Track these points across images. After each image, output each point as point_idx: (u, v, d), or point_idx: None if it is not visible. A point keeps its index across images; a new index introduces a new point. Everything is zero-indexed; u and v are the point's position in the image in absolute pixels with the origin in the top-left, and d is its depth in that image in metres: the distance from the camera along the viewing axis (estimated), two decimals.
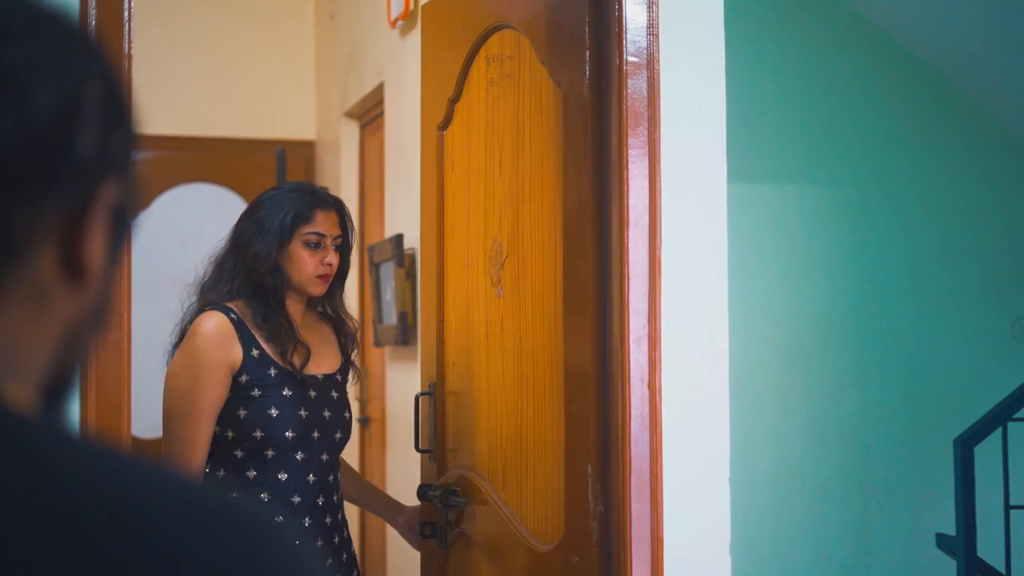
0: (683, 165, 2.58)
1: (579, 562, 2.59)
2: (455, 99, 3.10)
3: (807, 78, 4.41)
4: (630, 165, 2.56)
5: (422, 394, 3.12)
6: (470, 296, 3.02)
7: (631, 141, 2.57)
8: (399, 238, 4.36)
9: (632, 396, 2.55)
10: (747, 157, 4.23)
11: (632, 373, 2.55)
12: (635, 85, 2.57)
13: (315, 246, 2.80)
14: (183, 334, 2.77)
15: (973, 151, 4.53)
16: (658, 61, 2.57)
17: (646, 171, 2.56)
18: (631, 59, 2.58)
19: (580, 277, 2.63)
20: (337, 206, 2.87)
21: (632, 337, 2.56)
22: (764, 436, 4.28)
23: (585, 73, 2.62)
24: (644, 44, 2.58)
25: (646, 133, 2.57)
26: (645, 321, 2.56)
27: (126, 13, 2.51)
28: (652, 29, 2.58)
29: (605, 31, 2.60)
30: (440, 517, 3.05)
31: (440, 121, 3.16)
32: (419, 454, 3.16)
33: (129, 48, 2.53)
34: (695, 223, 2.58)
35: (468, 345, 3.03)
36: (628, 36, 2.58)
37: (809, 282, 4.34)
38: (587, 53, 2.62)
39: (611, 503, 2.56)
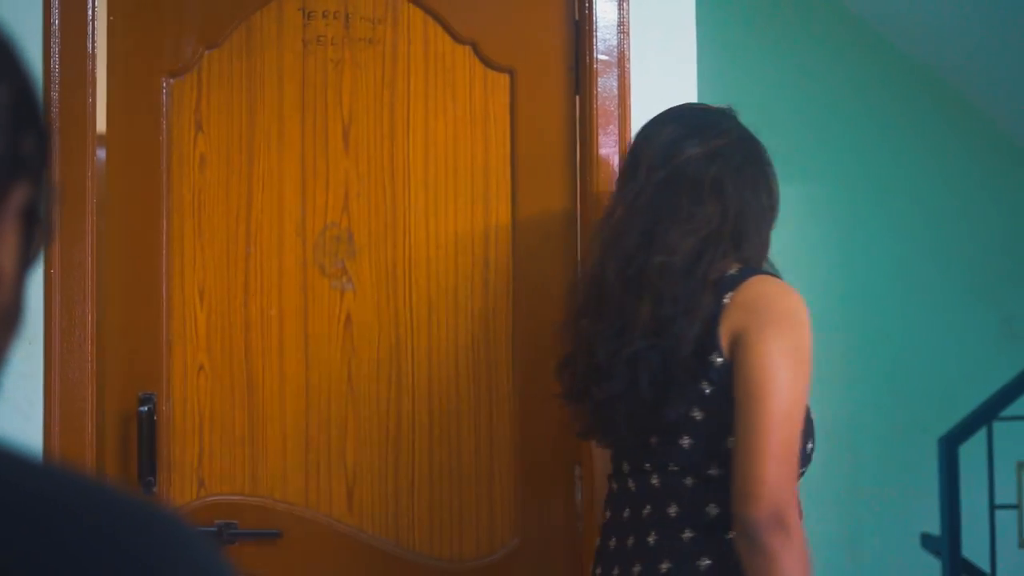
0: None
1: (545, 566, 2.55)
2: (216, 45, 2.56)
3: (794, 76, 4.37)
4: (601, 164, 2.53)
5: (143, 408, 2.50)
6: (262, 288, 2.55)
7: (601, 140, 2.54)
8: None
9: None
10: None
11: None
12: (605, 83, 2.55)
13: None
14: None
15: (963, 148, 4.51)
16: (628, 59, 2.55)
17: (616, 170, 2.52)
18: (601, 57, 2.55)
19: (545, 276, 2.57)
20: None
21: None
22: None
23: (561, 69, 2.57)
24: (614, 42, 2.55)
25: (616, 132, 2.54)
26: None
27: (90, 12, 2.48)
28: (622, 27, 2.55)
29: (577, 26, 2.56)
30: None
31: (175, 66, 2.56)
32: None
33: (93, 48, 2.50)
34: None
35: (247, 346, 2.54)
36: (598, 34, 2.55)
37: (796, 280, 4.28)
38: (564, 49, 2.57)
39: (579, 504, 2.54)
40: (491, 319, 2.57)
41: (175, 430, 2.57)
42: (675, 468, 2.06)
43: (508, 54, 2.58)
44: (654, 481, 2.08)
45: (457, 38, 2.59)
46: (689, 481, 2.05)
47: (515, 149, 2.57)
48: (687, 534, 2.03)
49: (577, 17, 2.57)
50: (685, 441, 2.05)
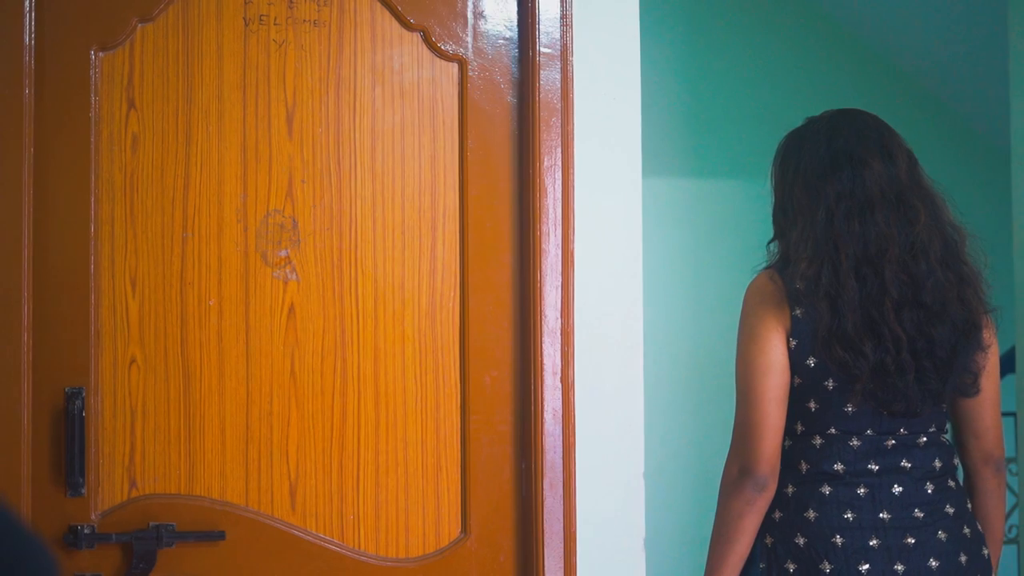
0: (597, 157, 2.58)
1: (491, 559, 2.54)
2: (151, 19, 2.45)
3: (766, 74, 4.44)
4: (543, 157, 2.55)
5: (72, 404, 2.35)
6: (199, 276, 2.45)
7: (543, 134, 2.55)
8: None
9: (545, 390, 2.52)
10: (699, 151, 4.24)
11: (545, 366, 2.53)
12: (548, 76, 2.56)
13: None
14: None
15: (930, 142, 4.64)
16: (571, 52, 2.57)
17: (559, 163, 2.55)
18: (544, 50, 2.56)
19: (493, 267, 2.56)
20: None
21: (545, 330, 2.53)
22: (717, 433, 4.31)
23: (508, 61, 2.57)
24: (557, 35, 2.57)
25: (559, 125, 2.56)
26: (558, 314, 2.54)
27: (27, 2, 2.37)
28: (565, 20, 2.57)
29: (523, 19, 2.57)
30: (133, 566, 2.37)
31: (105, 38, 2.43)
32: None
33: (31, 39, 2.33)
34: (609, 215, 2.59)
35: (184, 338, 2.44)
36: (541, 27, 2.56)
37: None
38: (511, 40, 2.58)
39: (524, 497, 2.54)
40: (438, 311, 2.54)
41: (104, 426, 2.41)
42: (934, 429, 2.44)
43: (458, 43, 2.56)
44: (921, 440, 2.42)
45: (406, 25, 2.55)
46: (944, 438, 2.45)
47: (464, 140, 2.55)
48: (951, 483, 2.44)
49: (521, 9, 2.58)
50: (946, 404, 2.46)
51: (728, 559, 2.42)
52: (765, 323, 2.39)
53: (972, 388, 2.45)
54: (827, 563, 2.34)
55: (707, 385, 4.34)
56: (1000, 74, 4.09)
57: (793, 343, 2.37)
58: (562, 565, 2.52)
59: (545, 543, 2.51)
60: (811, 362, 2.37)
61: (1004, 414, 4.32)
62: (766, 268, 2.48)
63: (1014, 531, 4.44)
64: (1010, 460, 4.24)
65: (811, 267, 2.37)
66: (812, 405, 2.39)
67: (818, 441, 2.39)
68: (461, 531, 2.53)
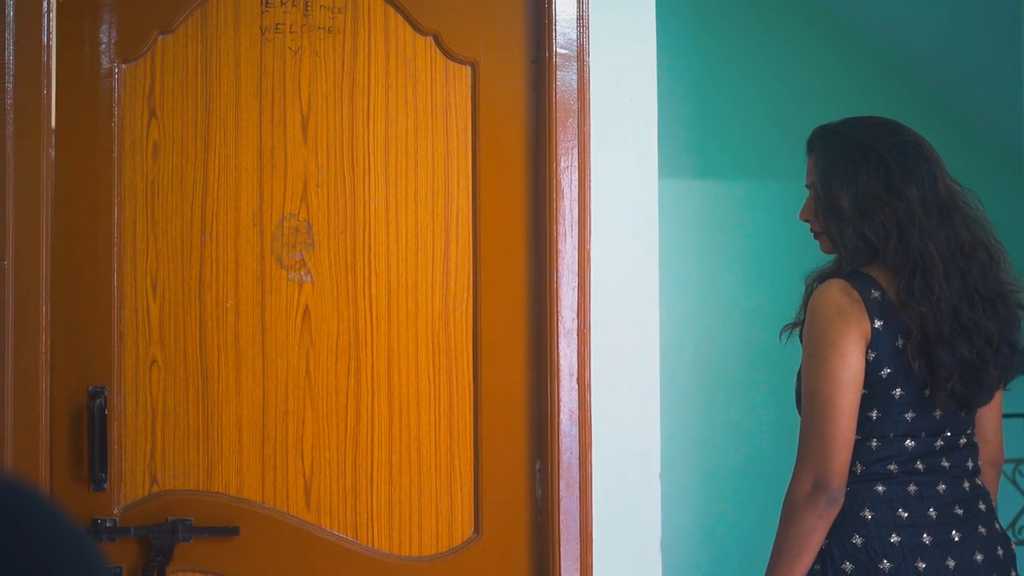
0: (613, 158, 2.58)
1: (504, 559, 2.55)
2: (170, 30, 2.51)
3: (773, 76, 4.43)
4: (559, 158, 2.55)
5: (95, 402, 2.43)
6: (217, 279, 2.51)
7: (560, 135, 2.55)
8: None
9: (561, 390, 2.52)
10: (712, 153, 4.23)
11: (561, 367, 2.53)
12: (564, 77, 2.57)
13: None
14: None
15: (940, 149, 4.61)
16: (588, 53, 2.57)
17: (576, 163, 2.55)
18: (560, 51, 2.57)
19: (506, 268, 2.58)
20: (809, 145, 2.56)
21: (562, 331, 2.53)
22: (729, 434, 4.29)
23: (522, 62, 2.58)
24: (574, 36, 2.57)
25: (576, 125, 2.56)
26: (575, 315, 2.54)
27: (45, 3, 2.44)
28: (582, 20, 2.58)
29: (537, 20, 2.58)
30: (151, 559, 2.45)
31: (127, 51, 2.50)
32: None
33: (48, 40, 2.44)
34: (626, 216, 2.58)
35: (202, 339, 2.49)
36: (557, 28, 2.57)
37: (775, 278, 4.36)
38: (524, 42, 2.59)
39: (539, 497, 2.54)
40: (451, 312, 2.56)
41: (127, 424, 2.50)
42: (970, 430, 2.50)
43: (470, 46, 2.58)
44: (961, 442, 2.48)
45: (419, 29, 2.58)
46: (974, 440, 2.51)
47: (476, 142, 2.57)
48: (978, 481, 2.51)
49: (537, 10, 2.59)
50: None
51: (794, 573, 2.40)
52: (848, 335, 2.36)
53: (1021, 367, 2.49)
54: (886, 561, 2.37)
55: (718, 386, 4.29)
56: (1012, 77, 3.98)
57: (872, 355, 2.36)
58: (578, 565, 2.52)
59: (562, 543, 2.51)
60: (884, 372, 2.37)
61: (1013, 415, 4.23)
62: (834, 277, 2.43)
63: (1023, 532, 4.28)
64: (1020, 461, 4.09)
65: (899, 277, 2.37)
66: (874, 414, 2.40)
67: (874, 443, 2.41)
68: (474, 531, 2.55)
